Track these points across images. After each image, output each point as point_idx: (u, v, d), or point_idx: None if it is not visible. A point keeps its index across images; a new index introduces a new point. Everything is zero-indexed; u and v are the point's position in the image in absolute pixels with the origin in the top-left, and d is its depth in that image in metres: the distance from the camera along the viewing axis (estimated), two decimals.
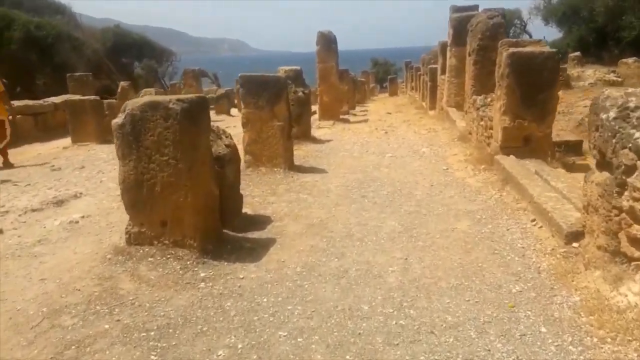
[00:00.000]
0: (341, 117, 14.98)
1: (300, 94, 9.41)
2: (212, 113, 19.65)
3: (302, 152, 8.53)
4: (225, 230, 4.37)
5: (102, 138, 11.15)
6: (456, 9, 11.92)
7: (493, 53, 8.35)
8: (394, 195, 5.58)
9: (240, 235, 4.37)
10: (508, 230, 4.30)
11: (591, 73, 17.78)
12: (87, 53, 23.73)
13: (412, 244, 4.08)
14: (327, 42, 13.46)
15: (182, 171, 3.64)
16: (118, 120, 3.68)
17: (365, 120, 14.09)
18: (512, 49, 6.13)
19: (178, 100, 3.58)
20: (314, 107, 16.10)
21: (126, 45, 43.90)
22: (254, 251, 4.00)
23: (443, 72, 13.88)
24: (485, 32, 8.42)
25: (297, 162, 7.67)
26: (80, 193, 5.93)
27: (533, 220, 4.40)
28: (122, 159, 3.75)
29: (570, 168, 6.38)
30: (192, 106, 3.63)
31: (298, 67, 9.56)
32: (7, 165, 8.27)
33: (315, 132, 11.44)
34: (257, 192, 5.87)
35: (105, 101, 13.00)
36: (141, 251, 3.81)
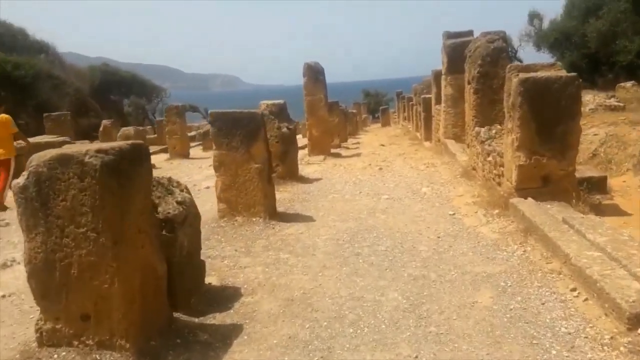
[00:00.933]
0: (332, 151, 14.12)
1: (285, 129, 8.53)
2: (198, 149, 18.83)
3: (287, 195, 7.58)
4: (178, 314, 3.36)
5: None
6: (450, 35, 11.23)
7: (495, 80, 7.58)
8: (394, 252, 4.61)
9: (197, 320, 3.36)
10: (543, 304, 3.32)
11: (590, 98, 17.07)
12: (68, 92, 22.94)
13: (423, 330, 3.08)
14: (314, 73, 12.71)
15: (105, 247, 2.66)
16: (19, 180, 2.72)
17: (358, 155, 13.22)
18: (523, 75, 5.28)
19: (98, 151, 2.64)
20: (304, 141, 15.30)
21: (115, 83, 43.53)
22: (210, 348, 2.99)
23: (438, 102, 13.12)
24: (486, 58, 7.64)
25: (281, 207, 6.71)
26: (14, 260, 4.90)
27: (574, 290, 3.43)
28: (27, 233, 2.78)
29: (597, 210, 5.44)
30: (120, 158, 2.69)
31: (281, 101, 8.71)
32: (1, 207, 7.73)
33: (304, 169, 10.53)
34: (229, 251, 4.87)
35: (78, 143, 12.07)
36: (55, 356, 2.80)
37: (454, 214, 5.81)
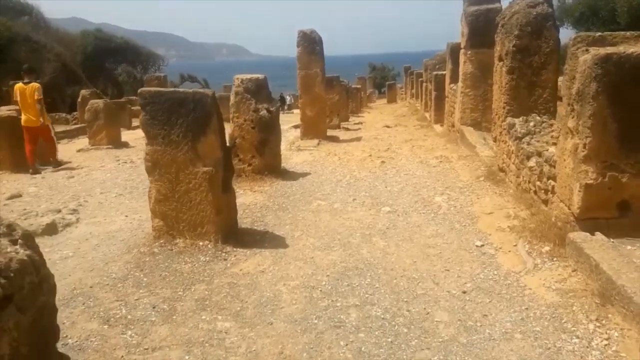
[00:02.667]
0: (330, 133, 12.36)
1: (264, 112, 6.77)
2: None
3: (260, 198, 5.89)
4: None
5: (21, 166, 8.57)
6: (472, 1, 9.32)
7: (536, 57, 5.80)
8: (397, 323, 2.94)
9: None
10: None
11: None
12: (48, 57, 21.07)
13: None
14: (310, 43, 10.84)
15: None
16: None
17: (358, 139, 11.44)
18: (599, 51, 3.50)
19: None
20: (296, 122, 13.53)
21: (109, 50, 41.44)
22: None
23: (454, 80, 11.27)
24: (525, 28, 5.81)
25: (246, 219, 5.04)
26: None
27: None
28: None
29: None
30: None
31: (260, 76, 6.92)
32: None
33: (292, 158, 8.82)
34: (143, 309, 3.21)
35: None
36: None
37: (482, 245, 4.10)
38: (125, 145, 12.60)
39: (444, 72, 13.96)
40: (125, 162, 9.34)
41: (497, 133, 6.32)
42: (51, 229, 4.95)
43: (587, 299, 3.03)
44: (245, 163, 6.93)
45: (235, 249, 4.16)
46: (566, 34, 26.31)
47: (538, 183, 4.57)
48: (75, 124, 17.01)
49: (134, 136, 14.75)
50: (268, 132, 6.85)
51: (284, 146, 10.75)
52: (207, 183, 4.14)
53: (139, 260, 4.02)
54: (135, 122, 15.46)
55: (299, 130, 12.11)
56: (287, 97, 33.39)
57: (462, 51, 9.51)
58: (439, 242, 4.22)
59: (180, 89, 4.24)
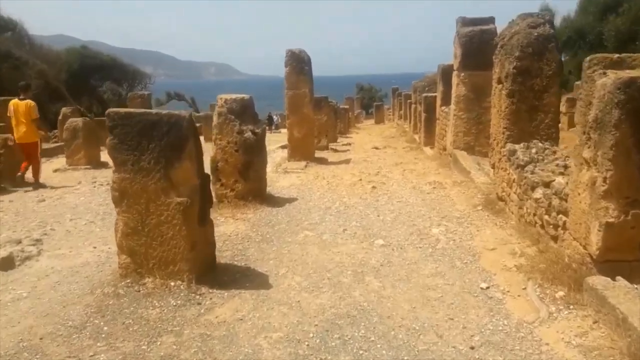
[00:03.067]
0: (318, 155, 11.99)
1: (249, 134, 6.35)
2: None
3: (243, 228, 5.44)
4: None
5: None
6: (465, 22, 9.09)
7: (537, 80, 5.49)
8: None
9: None
10: None
11: None
12: (29, 74, 20.49)
13: None
14: (299, 63, 10.52)
15: None
16: None
17: (347, 162, 11.07)
18: (620, 74, 3.15)
19: None
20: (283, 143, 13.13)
21: (95, 67, 40.99)
22: None
23: (445, 102, 11.01)
24: (526, 49, 5.50)
25: (227, 252, 4.58)
26: None
27: None
28: None
29: None
30: None
31: (245, 96, 6.52)
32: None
33: (279, 181, 8.39)
34: None
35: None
36: None
37: (487, 287, 3.68)
38: (104, 165, 12.04)
39: (434, 94, 13.73)
40: (102, 185, 8.81)
41: (496, 159, 5.96)
42: (7, 264, 4.44)
43: (615, 356, 2.62)
44: (228, 188, 6.49)
45: (211, 290, 3.69)
46: None
47: (546, 217, 4.19)
48: (55, 142, 16.44)
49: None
50: (253, 154, 6.42)
51: (270, 168, 10.34)
52: (181, 215, 3.69)
53: (102, 303, 3.53)
54: None
55: (286, 150, 11.71)
56: (275, 116, 33.16)
57: (455, 73, 9.24)
58: (440, 283, 3.79)
59: (154, 111, 3.80)
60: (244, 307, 3.47)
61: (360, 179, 8.17)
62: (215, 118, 6.43)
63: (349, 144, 16.44)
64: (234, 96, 6.43)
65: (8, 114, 8.81)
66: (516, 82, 5.54)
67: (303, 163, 10.54)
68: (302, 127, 10.80)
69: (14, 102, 8.63)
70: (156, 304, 3.49)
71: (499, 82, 5.87)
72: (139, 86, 46.76)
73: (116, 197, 3.77)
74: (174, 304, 3.49)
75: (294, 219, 5.79)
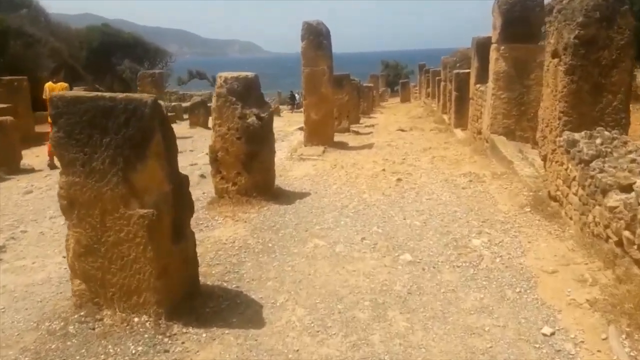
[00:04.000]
0: (337, 138, 11.03)
1: (253, 119, 5.43)
2: (183, 126, 15.77)
3: (242, 231, 4.57)
4: None
5: None
6: None
7: (605, 52, 4.39)
8: None
9: None
10: None
11: None
12: (42, 52, 19.90)
13: None
14: (316, 36, 9.47)
15: None
16: None
17: (370, 146, 10.06)
18: None
19: None
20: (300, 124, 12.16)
21: (116, 45, 40.55)
22: None
23: (480, 80, 9.85)
24: (593, 13, 4.38)
25: (216, 269, 3.74)
26: None
27: None
28: None
29: None
30: None
31: (250, 74, 5.57)
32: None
33: (292, 170, 7.50)
34: None
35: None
36: None
37: (552, 333, 2.72)
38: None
39: (466, 71, 12.52)
40: None
41: (549, 150, 4.90)
42: None
43: None
44: (229, 182, 5.61)
45: (185, 330, 2.83)
46: None
47: (626, 233, 3.18)
48: None
49: None
50: (258, 143, 5.50)
51: (284, 154, 9.44)
52: (146, 231, 2.81)
53: (43, 347, 2.72)
54: None
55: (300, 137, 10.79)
56: (297, 95, 32.15)
57: (493, 46, 8.08)
58: (487, 324, 2.85)
59: (108, 94, 2.91)
60: (224, 359, 2.59)
61: (384, 169, 7.18)
62: (214, 100, 5.52)
63: (373, 126, 15.39)
64: (235, 74, 5.49)
65: (44, 96, 8.75)
66: (578, 55, 4.44)
67: (321, 148, 9.59)
68: (320, 109, 9.81)
69: (49, 84, 8.73)
70: (111, 350, 2.65)
71: (555, 55, 4.77)
72: (159, 64, 46.27)
73: (64, 207, 2.91)
74: (134, 351, 2.64)
75: (304, 220, 4.89)
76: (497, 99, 7.94)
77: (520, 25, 7.66)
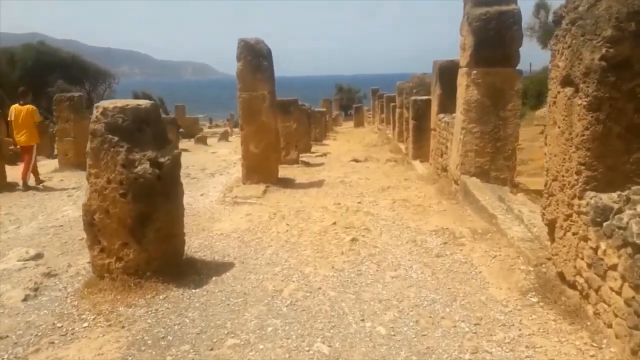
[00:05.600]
0: (284, 171, 9.53)
1: (145, 167, 3.77)
2: None
3: (110, 353, 2.87)
4: None
5: None
6: (477, 2, 6.66)
7: None
8: None
9: None
10: None
11: None
12: None
13: None
14: (255, 56, 7.96)
15: None
16: None
17: (320, 184, 8.56)
18: None
19: None
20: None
21: (52, 65, 37.89)
22: None
23: (443, 109, 8.65)
24: (625, 25, 3.05)
25: None
26: None
27: None
28: None
29: None
30: None
31: (143, 103, 3.94)
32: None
33: (222, 219, 5.96)
34: None
35: None
36: None
37: None
38: (11, 187, 9.36)
39: (425, 98, 11.37)
40: None
41: (560, 215, 3.52)
42: None
43: None
44: (112, 256, 3.90)
45: None
46: (546, 57, 24.54)
47: None
48: None
49: (48, 168, 11.48)
50: (152, 201, 3.84)
51: (216, 194, 7.80)
52: None
53: None
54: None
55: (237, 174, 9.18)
56: None
57: (462, 71, 6.82)
58: None
59: None
60: None
61: (335, 222, 5.64)
62: (89, 140, 3.84)
63: (325, 155, 13.98)
64: (121, 103, 3.84)
65: (9, 118, 9.24)
66: (605, 84, 3.10)
67: (261, 188, 8.00)
68: (261, 140, 8.24)
69: (15, 106, 9.07)
70: None
71: (567, 83, 3.41)
72: (102, 86, 43.66)
73: None
74: None
75: (212, 325, 3.24)
76: (469, 133, 6.64)
77: (495, 46, 6.44)
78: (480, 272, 4.01)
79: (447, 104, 8.59)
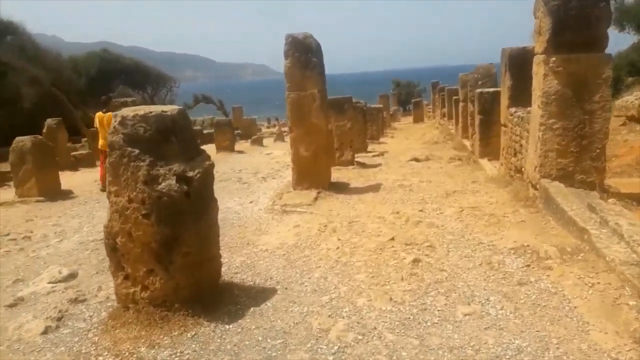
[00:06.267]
0: (337, 173, 8.95)
1: (170, 183, 3.27)
2: None
3: None
4: None
5: None
6: None
7: None
8: None
9: None
10: None
11: None
12: (18, 81, 18.15)
13: None
14: (303, 52, 7.39)
15: None
16: None
17: (377, 188, 7.87)
18: None
19: None
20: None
21: (115, 72, 39.35)
22: None
23: (515, 102, 7.70)
24: None
25: None
26: None
27: None
28: None
29: None
30: None
31: (169, 109, 3.42)
32: None
33: (269, 231, 5.48)
34: None
35: None
36: None
37: None
38: (65, 195, 9.41)
39: (494, 90, 10.38)
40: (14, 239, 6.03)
41: None
42: None
43: None
44: (137, 284, 3.43)
45: None
46: (625, 40, 22.35)
47: None
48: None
49: (90, 177, 11.59)
50: (181, 221, 3.34)
51: (265, 201, 7.33)
52: None
53: None
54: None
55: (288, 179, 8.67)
56: None
57: (539, 58, 5.89)
58: None
59: None
60: None
61: (393, 237, 4.94)
62: (107, 154, 3.38)
63: (382, 154, 13.21)
64: (143, 110, 3.35)
65: (94, 126, 10.51)
66: None
67: (312, 194, 7.44)
68: (311, 143, 7.66)
69: (99, 114, 9.84)
70: None
71: None
72: (163, 90, 44.95)
73: None
74: None
75: None
76: (548, 130, 5.71)
77: (578, 28, 5.49)
78: (575, 307, 3.19)
79: (519, 97, 7.65)
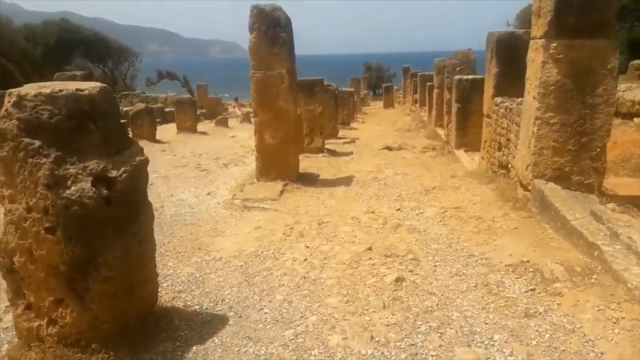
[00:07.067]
0: (306, 162, 8.20)
1: (83, 187, 2.43)
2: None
3: None
4: None
5: None
6: None
7: None
8: None
9: None
10: None
11: None
12: None
13: None
14: (270, 26, 6.52)
15: None
16: None
17: (348, 181, 7.16)
18: None
19: None
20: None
21: (74, 42, 37.40)
22: None
23: (501, 91, 7.09)
24: None
25: None
26: None
27: None
28: None
29: None
30: None
31: (85, 88, 2.57)
32: None
33: (224, 233, 4.64)
34: None
35: None
36: None
37: None
38: None
39: (472, 77, 9.79)
40: None
41: None
42: None
43: None
44: (43, 317, 2.60)
45: None
46: None
47: None
48: None
49: None
50: (98, 238, 2.51)
51: (224, 194, 6.52)
52: None
53: None
54: None
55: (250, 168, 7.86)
56: None
57: (538, 43, 5.22)
58: None
59: None
60: None
61: (370, 247, 4.23)
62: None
63: (353, 141, 12.49)
64: (49, 89, 2.49)
65: None
66: None
67: (278, 186, 6.66)
68: (277, 129, 6.85)
69: None
70: None
71: None
72: (125, 64, 42.87)
73: None
74: None
75: None
76: (545, 125, 5.08)
77: (584, 10, 4.84)
78: (602, 354, 2.55)
79: (506, 86, 7.06)
